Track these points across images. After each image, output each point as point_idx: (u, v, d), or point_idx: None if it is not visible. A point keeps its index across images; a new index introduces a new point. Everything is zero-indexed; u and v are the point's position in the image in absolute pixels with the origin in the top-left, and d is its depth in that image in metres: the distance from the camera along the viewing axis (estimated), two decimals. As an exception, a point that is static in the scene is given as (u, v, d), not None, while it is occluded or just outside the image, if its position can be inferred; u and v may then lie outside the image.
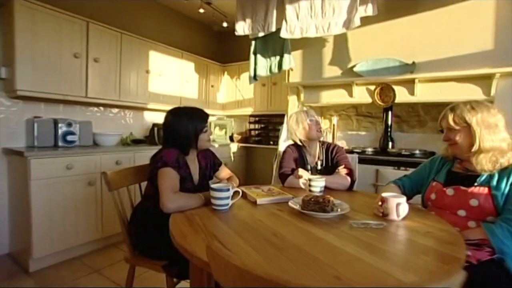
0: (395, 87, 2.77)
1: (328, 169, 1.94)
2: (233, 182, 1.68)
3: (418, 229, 1.10)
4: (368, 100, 2.95)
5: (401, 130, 3.20)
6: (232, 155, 4.16)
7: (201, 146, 1.51)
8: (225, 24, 3.67)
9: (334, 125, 3.49)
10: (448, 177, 1.40)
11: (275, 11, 2.37)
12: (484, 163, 1.24)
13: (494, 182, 1.23)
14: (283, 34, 2.38)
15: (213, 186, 1.27)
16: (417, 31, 2.68)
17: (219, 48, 4.73)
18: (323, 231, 1.05)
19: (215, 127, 4.35)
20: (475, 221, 1.24)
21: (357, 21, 2.08)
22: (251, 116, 4.32)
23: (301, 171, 1.79)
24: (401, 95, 2.77)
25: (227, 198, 1.25)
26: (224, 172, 1.76)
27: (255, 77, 2.91)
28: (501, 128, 1.27)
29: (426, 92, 2.65)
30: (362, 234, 1.04)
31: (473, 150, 1.27)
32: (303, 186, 1.67)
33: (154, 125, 3.32)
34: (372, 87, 2.91)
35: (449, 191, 1.33)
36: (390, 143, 3.06)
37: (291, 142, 3.45)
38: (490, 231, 1.15)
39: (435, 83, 2.60)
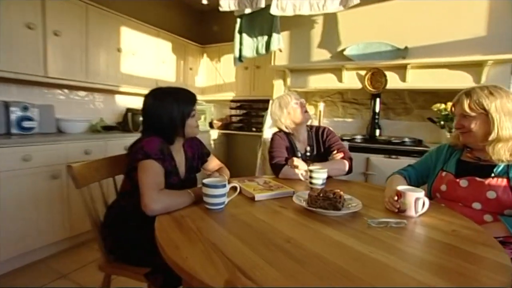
0: (386, 73, 2.67)
1: (320, 155, 1.80)
2: (224, 174, 1.49)
3: (442, 227, 0.98)
4: (358, 85, 2.85)
5: (387, 117, 3.15)
6: (212, 142, 3.93)
7: (189, 133, 1.29)
8: (205, 1, 3.36)
9: (320, 111, 3.36)
10: (459, 167, 1.30)
11: (264, -15, 2.14)
12: (503, 153, 1.15)
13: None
14: (274, 10, 2.16)
15: (206, 181, 1.07)
16: (410, 15, 2.57)
17: (199, 28, 4.39)
18: (341, 233, 0.90)
19: (194, 113, 4.08)
20: (492, 215, 1.16)
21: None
22: (232, 101, 4.09)
23: (296, 161, 1.63)
24: (392, 81, 2.68)
25: (223, 195, 1.06)
26: (213, 162, 1.55)
27: (240, 58, 2.68)
28: None
29: (417, 79, 2.58)
30: (384, 235, 0.91)
31: (490, 138, 1.17)
32: (302, 179, 1.52)
33: (128, 110, 3.00)
34: (363, 72, 2.80)
35: (463, 182, 1.24)
36: (377, 131, 3.00)
37: (276, 129, 3.28)
38: (509, 225, 1.07)
39: (427, 69, 2.53)
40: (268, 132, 3.22)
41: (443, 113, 2.44)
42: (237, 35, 2.58)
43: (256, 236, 0.87)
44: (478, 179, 1.20)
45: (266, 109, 3.37)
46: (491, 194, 1.15)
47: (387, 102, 3.14)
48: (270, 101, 3.28)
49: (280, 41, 2.42)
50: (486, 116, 1.18)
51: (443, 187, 1.30)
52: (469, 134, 1.24)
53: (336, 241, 0.85)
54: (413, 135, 2.87)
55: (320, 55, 2.99)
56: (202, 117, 4.08)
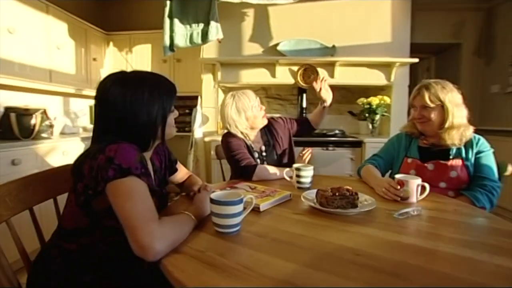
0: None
1: (277, 148, 1.71)
2: (198, 183, 1.21)
3: (444, 208, 1.06)
4: (291, 81, 2.91)
5: (309, 112, 3.35)
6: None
7: (167, 134, 0.96)
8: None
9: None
10: (421, 153, 1.44)
11: (206, -36, 1.89)
12: (455, 138, 1.33)
13: (463, 154, 1.34)
14: (218, -6, 1.94)
15: (216, 197, 0.82)
16: (336, 16, 2.78)
17: (102, 11, 3.61)
18: (387, 232, 0.83)
19: (99, 113, 3.36)
20: (453, 191, 1.33)
21: (306, -9, 1.90)
22: (149, 98, 3.57)
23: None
24: (321, 78, 2.85)
25: (240, 213, 0.83)
26: (182, 171, 1.25)
27: (171, 47, 2.31)
28: (463, 106, 1.38)
29: (344, 75, 2.82)
30: (415, 224, 0.91)
31: (446, 126, 1.34)
32: (288, 179, 1.39)
33: (9, 109, 2.18)
34: (295, 68, 2.87)
35: (430, 166, 1.37)
36: (307, 125, 3.15)
37: (202, 129, 3.04)
38: (475, 198, 1.24)
39: (351, 67, 2.80)
40: (198, 131, 2.95)
41: (366, 107, 2.74)
42: (167, 20, 2.21)
43: (316, 256, 0.70)
44: (442, 161, 1.35)
45: (194, 106, 3.08)
46: (453, 174, 1.32)
47: (308, 98, 3.34)
48: (200, 97, 3.01)
49: (219, 30, 2.20)
50: (442, 107, 1.34)
51: (412, 172, 1.42)
52: (428, 123, 1.38)
53: (394, 241, 0.77)
54: (338, 127, 3.14)
55: (252, 49, 2.91)
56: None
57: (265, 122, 1.67)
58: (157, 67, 3.38)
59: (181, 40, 2.26)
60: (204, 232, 0.83)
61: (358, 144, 2.66)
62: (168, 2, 2.17)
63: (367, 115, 2.75)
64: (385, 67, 2.77)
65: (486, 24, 3.34)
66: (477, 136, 1.36)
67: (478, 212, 1.05)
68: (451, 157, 1.35)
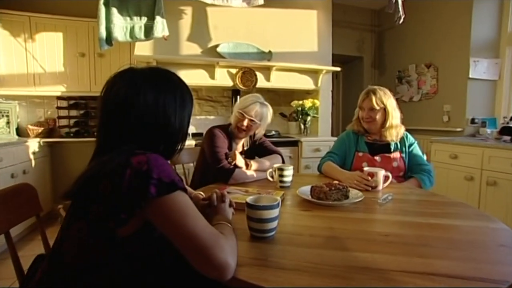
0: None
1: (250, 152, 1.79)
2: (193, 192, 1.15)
3: (405, 192, 1.33)
4: (230, 83, 2.95)
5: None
6: (32, 157, 2.72)
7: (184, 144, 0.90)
8: None
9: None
10: (369, 147, 1.72)
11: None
12: (393, 135, 1.67)
13: (400, 147, 1.69)
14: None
15: (254, 202, 0.83)
16: (272, 23, 2.97)
17: None
18: (389, 215, 1.04)
19: (-13, 115, 2.64)
20: (394, 178, 1.65)
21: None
22: (61, 98, 3.00)
23: (237, 156, 1.53)
24: (259, 81, 3.00)
25: (278, 216, 0.85)
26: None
27: (109, 40, 2.01)
28: (398, 109, 1.72)
29: (278, 80, 3.04)
30: (402, 206, 1.14)
31: (387, 125, 1.66)
32: (270, 179, 1.45)
33: None
34: (234, 71, 2.92)
35: (378, 158, 1.66)
36: (245, 126, 3.26)
37: None
38: (422, 181, 1.58)
39: (285, 72, 3.04)
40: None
41: (298, 109, 3.03)
42: (102, 8, 1.91)
43: (359, 242, 0.81)
44: (386, 154, 1.66)
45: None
46: (395, 164, 1.65)
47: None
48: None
49: (165, 27, 2.05)
50: (384, 110, 1.65)
51: (365, 164, 1.69)
52: (374, 123, 1.68)
53: (396, 221, 0.96)
54: (273, 128, 3.36)
55: (190, 49, 2.81)
56: (3, 120, 2.74)
57: (239, 136, 1.64)
58: (72, 61, 2.87)
59: (120, 33, 2.00)
60: (241, 241, 0.82)
61: (295, 144, 2.93)
62: (105, -10, 1.90)
63: (300, 116, 3.05)
64: (313, 73, 3.12)
65: (378, 43, 4.17)
66: (405, 132, 1.72)
67: (422, 191, 1.40)
68: (391, 150, 1.67)
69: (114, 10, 1.94)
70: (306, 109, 2.96)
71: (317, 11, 3.12)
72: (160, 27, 2.04)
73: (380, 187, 1.34)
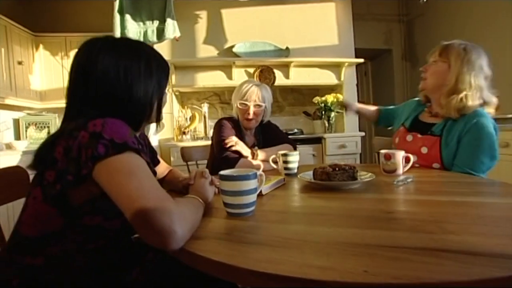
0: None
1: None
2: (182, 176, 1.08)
3: (431, 174, 1.12)
4: (248, 83, 2.90)
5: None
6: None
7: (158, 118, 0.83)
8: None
9: (205, 113, 3.18)
10: (413, 123, 1.41)
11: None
12: (450, 107, 1.19)
13: (445, 134, 1.23)
14: (176, -13, 1.84)
15: (228, 173, 0.73)
16: (287, 20, 2.90)
17: (28, 9, 3.13)
18: (398, 195, 0.86)
19: (28, 127, 2.88)
20: (423, 167, 1.37)
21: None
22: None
23: (239, 143, 1.42)
24: (278, 79, 2.92)
25: (256, 190, 0.74)
26: (163, 165, 1.10)
27: (123, 45, 2.10)
28: (481, 77, 1.20)
29: (298, 76, 2.92)
30: (422, 187, 0.96)
31: (445, 90, 1.22)
32: (274, 166, 1.33)
33: None
34: (251, 70, 2.88)
35: (409, 137, 1.37)
36: (266, 127, 3.17)
37: (158, 136, 2.82)
38: None
39: (304, 68, 2.92)
40: (154, 139, 2.73)
41: (321, 105, 2.87)
42: (117, 16, 2.00)
43: (355, 220, 0.66)
44: (419, 135, 1.34)
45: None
46: (423, 150, 1.32)
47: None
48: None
49: (176, 28, 2.09)
50: (448, 66, 1.21)
51: (397, 140, 1.44)
52: (425, 82, 1.30)
53: (406, 199, 0.80)
54: (294, 127, 3.23)
55: (206, 51, 2.84)
56: (44, 132, 2.96)
57: (250, 126, 1.54)
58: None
59: (134, 38, 2.08)
60: (214, 217, 0.72)
61: (319, 141, 2.76)
62: (118, -4, 1.99)
63: (323, 113, 2.89)
64: (335, 67, 2.96)
65: (408, 33, 3.87)
66: (480, 113, 1.17)
67: (455, 173, 1.14)
68: (429, 132, 1.28)
69: (128, 17, 2.02)
70: (329, 104, 2.79)
71: (335, 3, 2.99)
72: (171, 28, 2.08)
73: (400, 170, 1.14)
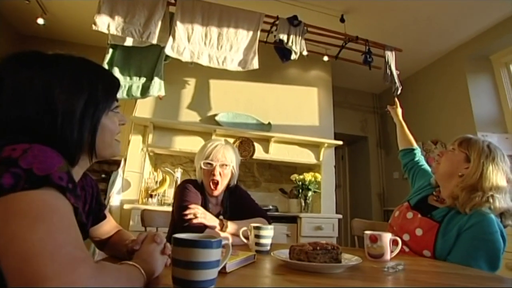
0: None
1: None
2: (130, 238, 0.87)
3: (421, 263, 0.97)
4: (227, 152, 2.84)
5: (245, 186, 3.26)
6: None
7: (106, 145, 0.65)
8: (41, 21, 2.53)
9: (177, 179, 2.99)
10: (419, 201, 1.31)
11: (160, 22, 1.89)
12: (473, 204, 1.07)
13: (445, 222, 1.13)
14: (168, 51, 1.90)
15: (181, 236, 0.56)
16: (272, 97, 3.05)
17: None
18: (393, 284, 0.69)
19: None
20: (411, 250, 1.19)
21: (255, 64, 2.04)
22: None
23: (202, 213, 1.22)
24: (257, 152, 2.89)
25: (218, 262, 0.57)
26: (110, 222, 0.90)
27: (103, 96, 2.04)
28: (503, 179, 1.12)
29: (277, 152, 2.92)
30: (417, 276, 0.81)
31: (461, 185, 1.13)
32: (244, 240, 1.14)
33: None
34: (231, 140, 2.85)
35: (409, 214, 1.25)
36: (240, 200, 2.99)
37: (121, 196, 2.60)
38: None
39: (284, 144, 2.95)
40: (116, 198, 2.46)
41: (299, 183, 2.80)
42: (105, 66, 2.01)
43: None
44: (419, 215, 1.21)
45: (111, 171, 2.65)
46: (418, 232, 1.18)
47: (238, 175, 3.29)
48: (122, 161, 2.63)
49: (162, 87, 2.09)
50: (465, 156, 1.17)
51: (397, 213, 1.33)
52: (437, 167, 1.27)
53: None
54: (268, 203, 3.07)
55: (188, 116, 2.84)
56: None
57: (215, 193, 1.36)
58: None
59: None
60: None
61: (294, 220, 2.60)
62: (111, 50, 2.02)
63: (300, 191, 2.80)
64: (315, 147, 3.01)
65: (382, 124, 4.18)
66: (487, 216, 1.04)
67: (449, 264, 1.00)
68: (429, 216, 1.18)
69: (116, 69, 2.02)
70: (306, 183, 2.72)
71: (318, 88, 3.24)
72: (157, 87, 2.08)
73: (388, 255, 1.00)
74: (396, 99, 1.81)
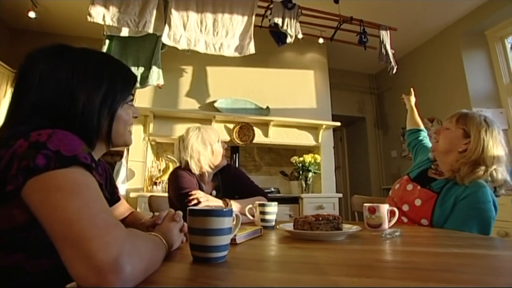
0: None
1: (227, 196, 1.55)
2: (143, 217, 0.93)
3: (419, 230, 1.04)
4: (227, 138, 2.89)
5: (247, 171, 3.32)
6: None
7: (120, 135, 0.70)
8: (32, 15, 2.51)
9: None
10: (418, 174, 1.36)
11: (155, 11, 1.89)
12: (475, 177, 1.11)
13: (443, 193, 1.18)
14: (165, 39, 1.91)
15: (196, 208, 0.62)
16: (269, 81, 3.07)
17: (11, 48, 3.10)
18: (388, 246, 0.76)
19: None
20: (409, 220, 1.25)
21: (251, 49, 2.06)
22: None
23: (204, 196, 1.30)
24: (257, 136, 2.94)
25: (230, 230, 0.62)
26: (124, 205, 0.96)
27: (103, 88, 2.06)
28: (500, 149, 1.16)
29: (277, 136, 2.97)
30: (414, 240, 0.88)
31: (461, 160, 1.16)
32: (251, 218, 1.20)
33: None
34: (231, 125, 2.90)
35: (409, 186, 1.31)
36: (242, 184, 3.06)
37: (126, 185, 2.65)
38: None
39: (283, 128, 2.99)
40: (121, 187, 2.52)
41: (299, 164, 2.86)
42: (101, 59, 2.02)
43: (343, 268, 0.56)
44: (419, 187, 1.26)
45: (114, 162, 2.70)
46: (417, 202, 1.24)
47: (239, 160, 3.35)
48: (126, 151, 2.67)
49: (160, 76, 2.12)
50: (463, 132, 1.20)
51: (397, 186, 1.38)
52: (435, 144, 1.30)
53: (398, 250, 0.70)
54: (270, 186, 3.14)
55: (187, 104, 2.87)
56: None
57: (225, 163, 1.52)
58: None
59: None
60: (177, 262, 0.58)
61: (296, 200, 2.67)
62: (107, 41, 2.03)
63: (300, 172, 2.86)
64: (313, 129, 3.06)
65: (378, 104, 4.22)
66: (483, 184, 1.10)
67: (445, 230, 1.07)
68: (428, 187, 1.23)
69: (113, 61, 2.03)
70: (306, 164, 2.79)
71: (314, 71, 3.25)
72: (156, 76, 2.10)
73: (386, 225, 1.06)
74: (412, 89, 1.90)
